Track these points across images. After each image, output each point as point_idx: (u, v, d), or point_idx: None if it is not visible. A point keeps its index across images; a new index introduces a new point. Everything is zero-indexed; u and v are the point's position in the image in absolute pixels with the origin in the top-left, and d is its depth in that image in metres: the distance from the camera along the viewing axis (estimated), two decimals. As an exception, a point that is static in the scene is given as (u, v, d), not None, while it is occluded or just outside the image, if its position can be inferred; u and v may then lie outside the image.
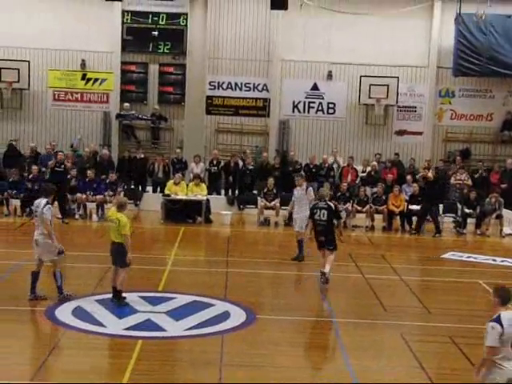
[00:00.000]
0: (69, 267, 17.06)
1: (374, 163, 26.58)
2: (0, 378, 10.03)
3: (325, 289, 15.51)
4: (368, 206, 24.08)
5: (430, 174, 23.66)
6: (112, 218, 13.75)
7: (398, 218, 24.05)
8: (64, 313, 13.18)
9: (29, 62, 28.01)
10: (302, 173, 20.25)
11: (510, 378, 8.12)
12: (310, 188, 18.61)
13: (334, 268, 16.13)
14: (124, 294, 13.78)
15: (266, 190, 24.28)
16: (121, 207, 13.81)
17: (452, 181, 26.06)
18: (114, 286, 13.76)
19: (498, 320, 8.11)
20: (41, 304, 13.67)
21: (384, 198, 24.18)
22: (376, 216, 24.08)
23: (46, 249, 13.80)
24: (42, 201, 13.96)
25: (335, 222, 16.78)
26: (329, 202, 16.65)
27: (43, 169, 24.66)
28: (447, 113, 29.32)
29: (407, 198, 24.34)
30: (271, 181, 24.25)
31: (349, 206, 23.96)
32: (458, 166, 26.93)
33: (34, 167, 24.09)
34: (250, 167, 26.24)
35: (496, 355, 8.10)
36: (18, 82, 27.79)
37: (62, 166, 23.57)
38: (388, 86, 28.07)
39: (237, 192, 26.27)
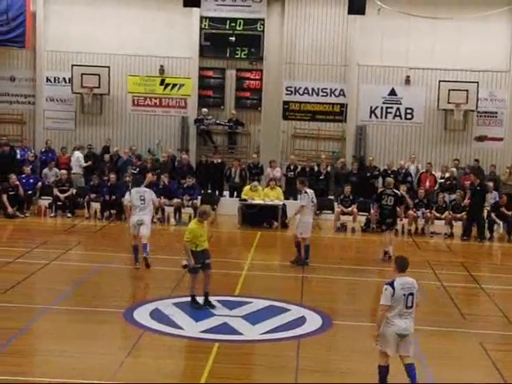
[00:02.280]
0: (147, 270, 17.37)
1: (453, 169, 26.09)
2: (80, 378, 10.24)
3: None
4: (447, 213, 23.73)
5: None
6: None
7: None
8: (142, 315, 13.37)
9: (109, 67, 28.54)
10: (303, 178, 19.93)
11: (397, 332, 9.85)
12: (304, 194, 18.24)
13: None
14: (199, 299, 13.88)
15: (342, 197, 24.18)
16: (199, 215, 14.04)
17: (533, 188, 25.50)
18: None
19: (392, 284, 9.91)
20: (119, 306, 13.90)
21: (463, 204, 23.78)
22: (455, 223, 23.69)
23: (147, 226, 17.26)
24: (142, 188, 17.61)
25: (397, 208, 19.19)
26: (395, 190, 19.28)
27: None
28: (529, 118, 28.71)
29: (487, 204, 23.93)
30: (348, 188, 24.12)
31: (427, 212, 23.65)
32: (540, 172, 26.32)
33: (112, 175, 24.39)
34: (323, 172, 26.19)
35: (388, 312, 9.83)
36: (99, 87, 28.36)
37: (137, 170, 24.04)
38: (467, 90, 27.62)
39: (313, 197, 26.21)
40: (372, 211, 21.55)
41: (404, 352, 10.05)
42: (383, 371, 10.10)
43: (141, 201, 17.11)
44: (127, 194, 17.78)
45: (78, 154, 26.93)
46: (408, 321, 9.99)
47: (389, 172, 26.35)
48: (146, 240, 17.04)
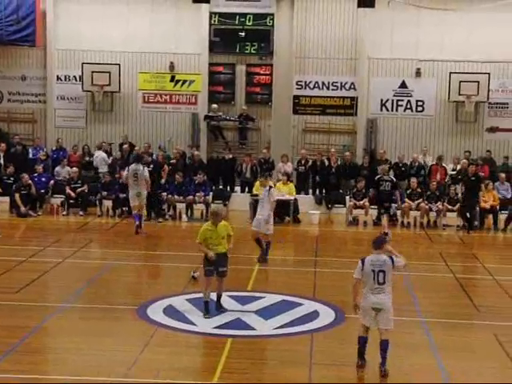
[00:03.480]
0: (160, 266, 17.45)
1: (465, 161, 25.95)
2: (94, 375, 10.29)
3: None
4: (458, 205, 23.62)
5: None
6: None
7: (491, 216, 23.49)
8: (156, 311, 13.42)
9: (119, 65, 28.57)
10: (267, 173, 20.28)
11: (372, 305, 10.61)
12: (273, 189, 18.36)
13: (423, 268, 16.98)
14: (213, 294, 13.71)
15: (355, 190, 24.13)
16: (210, 216, 13.71)
17: (545, 178, 25.38)
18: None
19: (363, 259, 10.75)
20: (132, 303, 13.95)
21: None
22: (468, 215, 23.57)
23: (143, 198, 20.75)
24: (138, 165, 20.87)
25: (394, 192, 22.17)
26: (391, 176, 22.15)
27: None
28: (541, 109, 28.54)
29: (500, 196, 23.91)
30: (362, 184, 24.01)
31: (439, 204, 23.57)
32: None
33: (123, 172, 24.24)
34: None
35: (364, 287, 10.71)
36: (109, 85, 28.38)
37: (151, 166, 23.74)
38: (478, 82, 27.50)
39: (324, 191, 26.18)
40: (370, 195, 23.03)
41: (382, 325, 10.65)
42: (361, 341, 10.77)
43: (134, 177, 20.72)
44: (125, 170, 21.77)
45: (102, 154, 26.92)
46: (380, 296, 10.62)
47: (400, 165, 26.32)
48: (142, 211, 21.02)
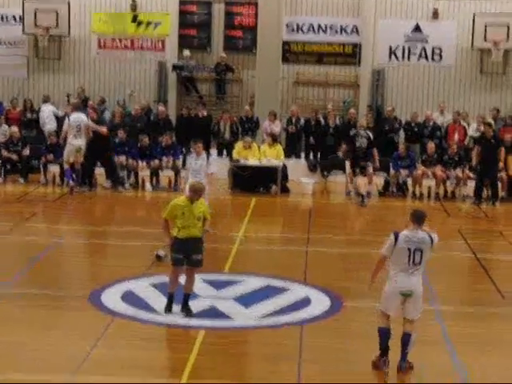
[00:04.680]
0: (117, 245, 17.45)
1: (490, 121, 26.01)
2: (39, 372, 10.28)
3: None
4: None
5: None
6: None
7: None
8: (112, 298, 13.42)
9: (69, 2, 28.42)
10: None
11: (401, 291, 10.57)
12: (212, 158, 18.21)
13: (438, 246, 16.13)
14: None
15: (356, 154, 24.17)
16: (190, 191, 13.15)
17: None
18: None
19: (397, 233, 10.61)
20: (84, 287, 13.92)
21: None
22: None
23: (82, 154, 22.52)
24: (80, 114, 22.70)
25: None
26: (368, 132, 22.69)
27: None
28: None
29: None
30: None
31: (458, 172, 23.61)
32: None
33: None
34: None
35: (391, 268, 10.67)
36: (57, 26, 28.31)
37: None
38: (508, 25, 27.55)
39: (320, 156, 26.21)
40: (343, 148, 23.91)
41: (409, 314, 10.69)
42: (383, 334, 10.70)
43: (77, 129, 22.41)
44: (66, 120, 23.11)
45: (50, 107, 26.94)
46: (415, 278, 10.60)
47: (413, 125, 26.35)
48: (79, 165, 22.66)
